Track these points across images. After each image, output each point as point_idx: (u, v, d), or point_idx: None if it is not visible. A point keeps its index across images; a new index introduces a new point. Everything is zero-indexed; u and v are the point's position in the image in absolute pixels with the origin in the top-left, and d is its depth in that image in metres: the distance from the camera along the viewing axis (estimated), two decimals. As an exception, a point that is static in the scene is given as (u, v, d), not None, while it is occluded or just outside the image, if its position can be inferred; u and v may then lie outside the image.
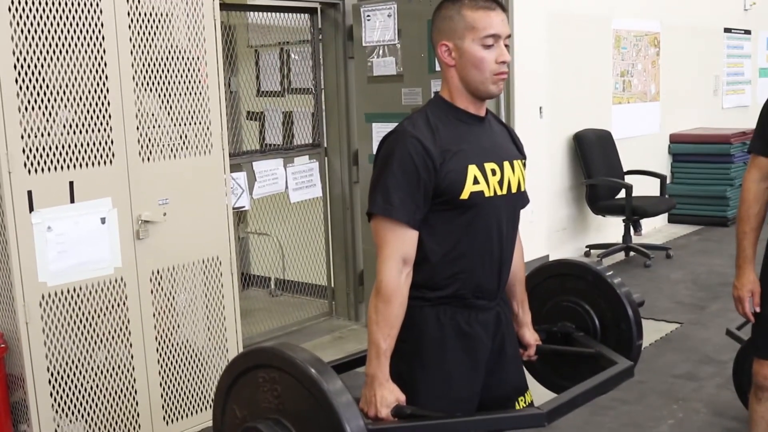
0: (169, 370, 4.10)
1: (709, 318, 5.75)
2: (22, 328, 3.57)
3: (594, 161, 7.46)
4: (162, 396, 4.08)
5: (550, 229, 6.94)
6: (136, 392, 3.96)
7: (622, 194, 7.39)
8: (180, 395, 4.16)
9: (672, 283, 6.71)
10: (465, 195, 2.35)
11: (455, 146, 2.36)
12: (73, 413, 3.77)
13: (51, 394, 3.68)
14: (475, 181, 2.36)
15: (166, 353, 4.08)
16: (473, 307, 2.45)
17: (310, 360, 2.08)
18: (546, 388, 3.08)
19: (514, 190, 2.48)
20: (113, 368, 3.89)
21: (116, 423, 3.92)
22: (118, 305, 3.88)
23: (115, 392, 3.90)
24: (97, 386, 3.83)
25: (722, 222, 8.63)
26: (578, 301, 2.96)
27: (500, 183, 2.43)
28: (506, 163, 2.47)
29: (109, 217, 3.80)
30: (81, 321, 3.75)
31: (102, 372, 3.85)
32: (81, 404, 3.78)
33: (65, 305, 3.69)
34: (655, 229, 8.63)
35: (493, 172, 2.41)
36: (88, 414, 3.82)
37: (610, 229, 7.84)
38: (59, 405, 3.71)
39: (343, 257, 5.98)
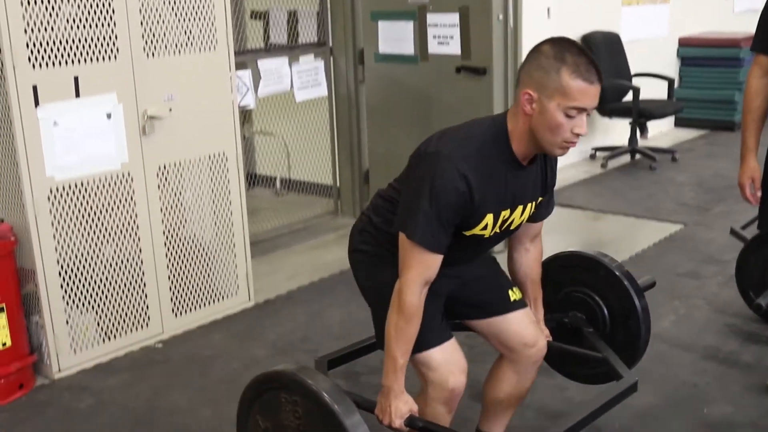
0: (177, 264, 4.16)
1: (713, 219, 5.77)
2: (31, 222, 3.61)
3: (602, 63, 7.30)
4: (170, 289, 4.14)
5: (556, 131, 6.88)
6: (144, 285, 4.02)
7: (629, 97, 7.34)
8: (188, 289, 4.23)
9: (677, 186, 6.71)
10: (468, 233, 2.46)
11: (487, 193, 2.37)
12: (83, 305, 3.83)
13: (61, 286, 3.74)
14: (484, 227, 2.46)
15: (173, 248, 4.13)
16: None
17: (329, 390, 2.21)
18: (554, 369, 3.25)
19: (512, 227, 2.58)
20: (122, 262, 3.94)
21: (126, 315, 3.99)
22: (126, 200, 3.91)
23: (124, 285, 3.96)
24: (107, 279, 3.89)
25: (729, 126, 8.57)
26: (590, 293, 3.08)
27: (502, 224, 2.51)
28: (520, 207, 2.52)
29: (115, 112, 3.80)
30: (89, 215, 3.78)
31: (111, 266, 3.90)
32: (91, 296, 3.85)
33: (73, 200, 3.71)
34: (661, 132, 8.59)
35: (504, 219, 2.49)
36: (98, 306, 3.88)
37: (617, 131, 7.80)
38: (69, 297, 3.77)
39: (349, 156, 5.98)
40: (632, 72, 7.72)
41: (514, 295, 2.75)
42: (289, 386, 2.25)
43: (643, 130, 7.51)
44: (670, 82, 7.80)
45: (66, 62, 3.61)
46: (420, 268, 2.36)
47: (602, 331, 3.06)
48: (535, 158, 2.47)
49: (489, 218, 2.44)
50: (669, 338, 3.97)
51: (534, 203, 2.57)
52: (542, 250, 2.87)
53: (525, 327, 2.72)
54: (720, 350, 3.86)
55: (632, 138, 7.47)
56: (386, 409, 2.44)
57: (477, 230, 2.46)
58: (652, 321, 4.00)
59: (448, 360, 2.48)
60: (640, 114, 7.25)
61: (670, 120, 8.68)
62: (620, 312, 3.04)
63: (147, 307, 4.06)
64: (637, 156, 7.57)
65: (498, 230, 2.52)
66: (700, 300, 4.42)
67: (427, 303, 2.46)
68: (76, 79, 3.66)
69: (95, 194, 3.79)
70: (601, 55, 7.39)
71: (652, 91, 7.71)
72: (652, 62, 8.17)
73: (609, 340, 3.03)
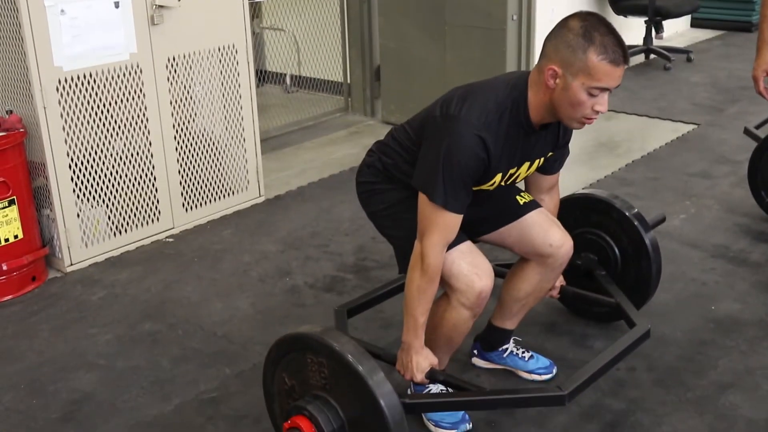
0: (187, 158, 4.14)
1: (727, 120, 5.72)
2: (41, 113, 3.58)
3: (619, -42, 7.22)
4: (181, 184, 4.14)
5: (570, 29, 6.77)
6: (155, 179, 4.02)
7: (645, -6, 7.19)
8: (198, 183, 4.22)
9: (691, 86, 6.63)
10: (475, 188, 2.47)
11: (501, 156, 2.40)
12: (94, 198, 3.83)
13: (72, 180, 3.73)
14: (492, 184, 2.50)
15: (183, 142, 4.11)
16: None
17: (353, 352, 2.25)
18: (565, 306, 3.33)
19: (518, 181, 2.63)
20: (132, 156, 3.92)
21: (136, 209, 3.99)
22: (135, 92, 3.87)
23: (135, 179, 3.95)
24: (117, 173, 3.88)
25: (746, 27, 8.41)
26: (602, 234, 3.13)
27: (509, 178, 2.54)
28: (527, 164, 2.54)
29: (123, 1, 3.73)
30: (99, 107, 3.75)
31: (121, 159, 3.88)
32: (102, 190, 3.84)
33: (82, 91, 3.68)
34: (677, 33, 8.44)
35: (510, 175, 2.53)
36: (109, 200, 3.88)
37: (632, 30, 7.65)
38: (80, 190, 3.77)
39: (360, 52, 5.90)
40: (649, -32, 7.54)
41: (523, 198, 2.74)
42: (315, 348, 2.30)
43: (659, 30, 7.37)
44: (688, -21, 7.62)
45: (72, -51, 3.54)
46: (442, 231, 2.38)
47: (614, 272, 3.10)
48: (549, 123, 2.48)
49: (498, 177, 2.48)
50: (679, 236, 3.97)
51: (542, 159, 2.59)
52: (558, 201, 2.88)
53: (547, 228, 2.70)
54: (729, 249, 3.86)
55: (647, 37, 7.34)
56: (408, 365, 2.51)
57: (484, 186, 2.50)
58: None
59: (471, 263, 2.47)
60: (656, 12, 7.10)
61: (686, 20, 8.52)
62: (632, 253, 3.09)
63: (157, 201, 4.06)
64: (652, 56, 7.46)
65: (503, 184, 2.55)
66: (710, 200, 4.41)
67: None
68: (82, -34, 3.59)
69: (104, 85, 3.75)
70: (618, -50, 7.22)
71: (669, -12, 7.55)
72: (670, -41, 7.98)
73: (620, 279, 3.07)
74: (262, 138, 4.72)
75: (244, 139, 4.37)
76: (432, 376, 2.51)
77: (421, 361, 2.49)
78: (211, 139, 4.23)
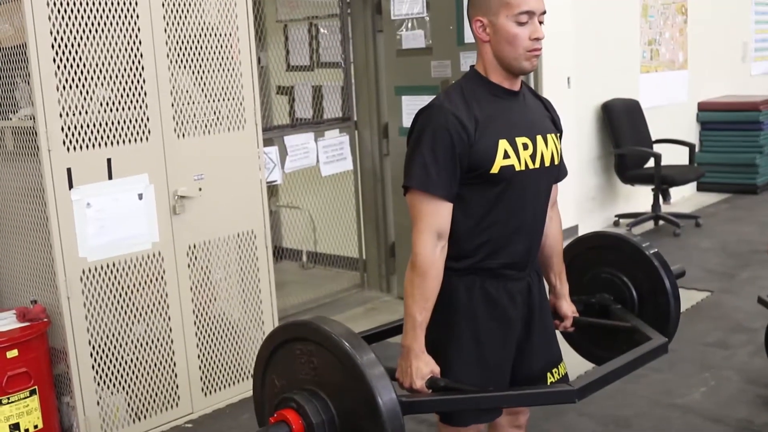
0: (207, 342, 4.18)
1: (739, 286, 5.75)
2: (64, 303, 3.65)
3: (622, 130, 7.44)
4: (200, 368, 4.15)
5: (579, 198, 6.94)
6: (174, 364, 4.04)
7: (650, 163, 7.36)
8: (218, 367, 4.23)
9: (701, 252, 6.70)
10: (495, 169, 2.36)
11: (488, 121, 2.36)
12: (114, 385, 3.85)
13: (93, 367, 3.76)
14: (506, 156, 2.37)
15: (203, 326, 4.15)
16: (502, 277, 2.47)
17: (344, 334, 2.12)
18: (582, 356, 3.13)
19: (547, 163, 2.48)
20: (152, 341, 3.96)
21: (156, 394, 4.00)
22: (156, 279, 3.94)
23: (155, 364, 3.98)
24: (137, 359, 3.91)
25: (751, 190, 8.58)
26: (616, 272, 2.98)
27: (533, 157, 2.43)
28: (539, 137, 2.46)
29: (146, 192, 3.86)
30: (120, 295, 3.82)
31: (141, 345, 3.92)
32: (122, 376, 3.86)
33: (105, 280, 3.76)
34: (683, 198, 8.60)
35: (525, 147, 2.41)
36: (129, 386, 3.90)
37: (639, 198, 7.82)
38: (101, 377, 3.79)
39: (375, 229, 6.02)
40: (653, 138, 7.76)
41: (552, 378, 2.65)
42: (305, 334, 2.18)
43: (666, 197, 7.51)
44: (691, 147, 7.83)
45: (99, 144, 3.69)
46: (428, 218, 2.32)
47: (631, 311, 2.94)
48: (522, 87, 2.48)
49: (504, 144, 2.37)
50: (701, 411, 3.94)
51: (555, 137, 2.53)
52: (560, 220, 2.78)
53: (525, 412, 2.74)
54: (753, 423, 3.81)
55: (655, 204, 7.47)
56: (407, 371, 2.35)
57: (500, 160, 2.37)
58: (682, 393, 3.98)
59: None
60: (663, 180, 7.26)
61: (692, 185, 8.69)
62: (649, 289, 2.93)
63: (177, 386, 4.07)
64: (661, 222, 7.57)
65: (533, 163, 2.43)
66: (730, 371, 4.39)
67: (496, 345, 2.46)
68: (109, 161, 3.73)
69: (126, 274, 3.83)
70: (621, 123, 7.46)
71: (674, 156, 7.75)
72: (673, 127, 8.23)
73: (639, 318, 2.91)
74: (280, 317, 4.75)
75: (263, 322, 4.42)
76: (433, 383, 2.33)
77: (422, 366, 2.34)
78: (230, 322, 4.28)
